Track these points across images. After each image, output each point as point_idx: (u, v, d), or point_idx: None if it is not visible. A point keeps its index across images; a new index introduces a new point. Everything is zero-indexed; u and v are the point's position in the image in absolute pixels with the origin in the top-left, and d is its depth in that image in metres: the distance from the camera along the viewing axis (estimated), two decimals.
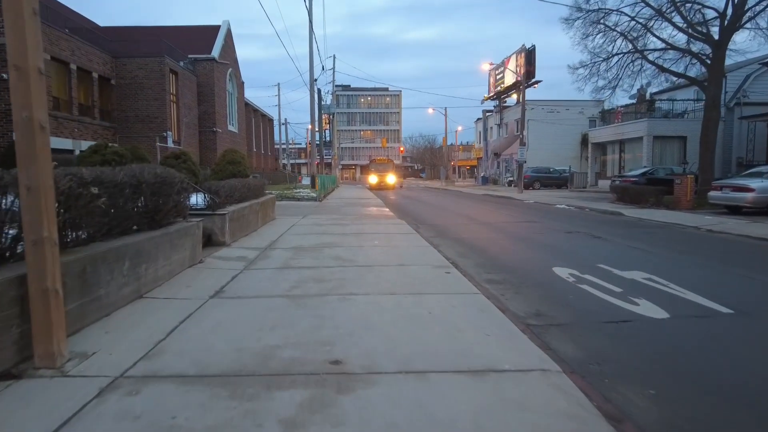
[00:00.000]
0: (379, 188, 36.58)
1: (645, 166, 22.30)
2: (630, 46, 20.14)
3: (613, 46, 20.43)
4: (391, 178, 38.82)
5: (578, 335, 4.10)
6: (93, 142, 18.49)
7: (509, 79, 49.90)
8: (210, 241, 8.00)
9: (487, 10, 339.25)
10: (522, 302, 5.13)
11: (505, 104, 51.70)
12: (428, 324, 3.98)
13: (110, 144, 9.79)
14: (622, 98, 29.44)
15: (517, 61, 46.76)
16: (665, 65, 20.58)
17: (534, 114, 41.13)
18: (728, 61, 19.37)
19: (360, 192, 32.38)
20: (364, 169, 54.46)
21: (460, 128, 78.62)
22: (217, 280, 5.61)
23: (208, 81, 24.53)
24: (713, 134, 17.89)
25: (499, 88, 51.92)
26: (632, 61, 20.75)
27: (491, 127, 53.01)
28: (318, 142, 30.21)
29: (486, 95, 56.00)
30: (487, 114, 53.54)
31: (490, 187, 43.27)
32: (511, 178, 43.53)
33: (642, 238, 10.07)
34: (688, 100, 26.60)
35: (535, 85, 45.33)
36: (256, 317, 4.15)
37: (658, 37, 18.91)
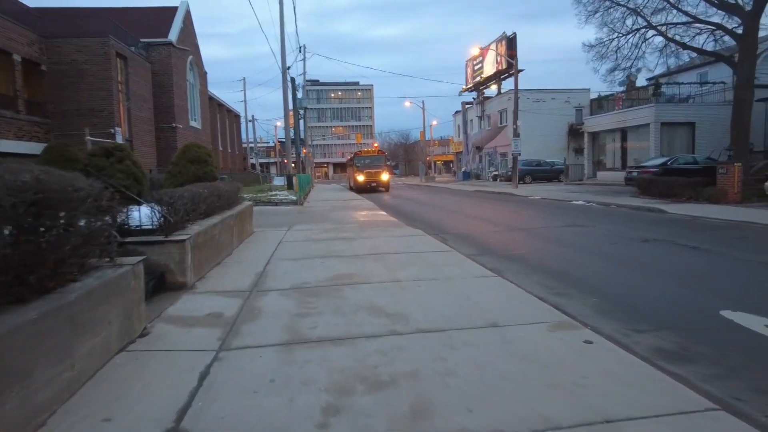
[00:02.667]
0: (369, 189, 27.88)
1: (663, 155, 20.36)
2: (644, 21, 17.99)
3: (624, 24, 18.27)
4: (385, 176, 29.06)
5: None
6: (16, 141, 15.17)
7: (489, 69, 47.84)
8: (163, 282, 5.15)
9: (454, 7, 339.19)
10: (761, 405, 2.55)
11: (484, 95, 49.65)
12: None
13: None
14: (639, 80, 27.28)
15: (497, 49, 44.73)
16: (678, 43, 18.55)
17: (519, 104, 39.04)
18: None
19: (341, 192, 29.57)
20: (347, 166, 42.34)
21: (435, 122, 76.33)
22: (170, 391, 2.82)
23: (165, 69, 21.17)
24: (747, 116, 15.96)
25: (477, 79, 49.81)
26: (644, 40, 18.65)
27: (471, 120, 50.89)
28: (293, 137, 27.15)
29: (464, 87, 53.88)
30: (467, 106, 51.40)
31: (474, 182, 41.08)
32: (496, 173, 41.50)
33: (747, 247, 7.72)
34: (692, 83, 24.92)
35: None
36: None
37: (680, 10, 16.83)
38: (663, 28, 17.80)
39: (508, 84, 45.32)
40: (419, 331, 3.76)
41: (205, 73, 28.17)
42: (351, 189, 31.50)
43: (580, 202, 16.62)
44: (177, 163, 9.17)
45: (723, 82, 23.74)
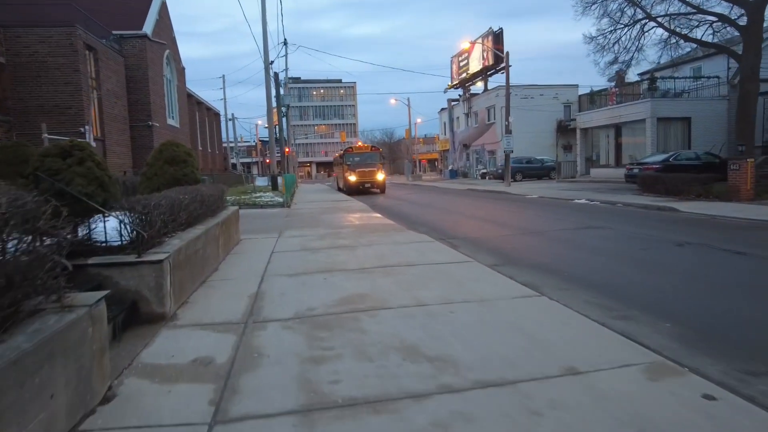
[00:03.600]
0: (362, 191, 24.66)
1: (662, 151, 19.83)
2: (642, 13, 17.38)
3: (623, 15, 17.62)
4: (380, 175, 25.25)
5: None
6: None
7: (475, 65, 47.17)
8: (136, 313, 4.14)
9: (433, 5, 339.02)
10: None
11: (470, 92, 48.99)
12: None
13: None
14: (635, 75, 26.70)
15: (483, 45, 44.09)
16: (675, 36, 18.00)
17: (503, 101, 38.47)
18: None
19: (328, 193, 28.51)
20: (334, 165, 37.52)
21: (419, 120, 75.62)
22: None
23: (139, 63, 19.79)
24: (752, 110, 15.46)
25: (463, 75, 49.12)
26: (642, 33, 18.05)
27: (458, 117, 50.21)
28: (277, 135, 26.00)
29: (449, 83, 53.16)
30: (453, 103, 50.69)
31: (462, 181, 40.41)
32: (484, 171, 40.87)
33: None
34: (686, 78, 24.52)
35: (503, 71, 42.88)
36: None
37: (682, 0, 16.22)
38: (662, 20, 17.22)
39: (494, 81, 44.79)
40: (479, 384, 2.85)
41: (183, 68, 26.75)
42: (340, 190, 28.12)
43: (582, 201, 15.93)
44: (152, 164, 8.07)
45: (717, 77, 23.41)
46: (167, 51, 23.41)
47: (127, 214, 4.49)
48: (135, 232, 4.33)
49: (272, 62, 23.97)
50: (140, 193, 7.12)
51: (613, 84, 30.54)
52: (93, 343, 2.67)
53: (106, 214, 4.33)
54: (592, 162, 29.02)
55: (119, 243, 4.43)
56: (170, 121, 23.88)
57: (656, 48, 18.06)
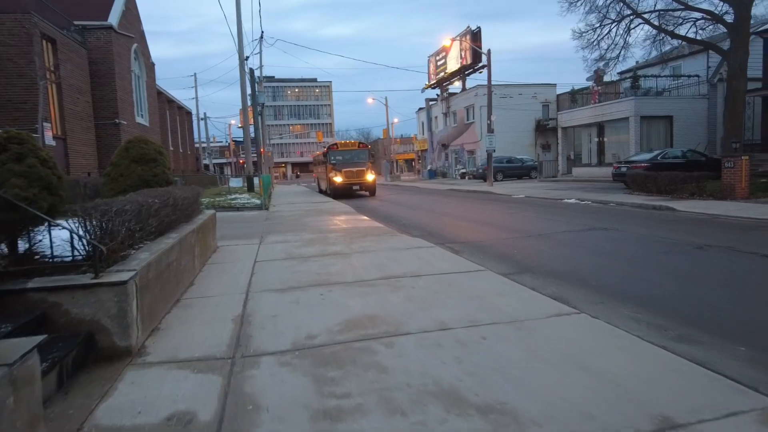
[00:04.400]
0: (349, 193, 21.95)
1: (650, 150, 19.65)
2: (629, 10, 17.09)
3: (609, 11, 17.32)
4: (370, 176, 22.22)
5: None
6: None
7: (452, 65, 46.75)
8: (93, 348, 3.29)
9: (406, 7, 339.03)
10: None
11: (448, 92, 48.61)
12: None
13: None
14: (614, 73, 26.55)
15: (461, 44, 43.74)
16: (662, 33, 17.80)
17: (485, 100, 38.16)
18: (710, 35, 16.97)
19: (306, 194, 27.61)
20: (314, 164, 33.11)
21: (396, 120, 75.08)
22: None
23: (105, 57, 18.45)
24: (741, 107, 15.30)
25: (441, 74, 48.68)
26: (628, 30, 17.80)
27: (436, 117, 49.76)
28: (254, 134, 24.91)
29: (426, 83, 52.65)
30: (431, 103, 50.21)
31: (443, 181, 39.97)
32: (464, 171, 40.48)
33: None
34: (666, 76, 24.51)
35: (481, 71, 42.61)
36: None
37: None
38: (649, 16, 16.98)
39: (472, 80, 44.52)
40: None
41: (153, 64, 25.35)
42: (322, 192, 25.19)
43: (572, 201, 15.50)
44: (118, 164, 7.12)
45: (697, 76, 23.47)
46: (135, 45, 22.09)
47: (82, 222, 3.63)
48: (92, 246, 3.46)
49: (247, 58, 22.94)
50: (104, 196, 6.18)
51: (592, 83, 30.51)
52: (16, 418, 1.83)
53: (53, 223, 3.46)
54: (573, 161, 28.87)
55: (71, 259, 3.56)
56: (139, 120, 22.57)
57: (642, 45, 17.83)
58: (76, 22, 18.15)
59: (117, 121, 19.29)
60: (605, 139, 24.72)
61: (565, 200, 15.76)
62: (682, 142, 22.17)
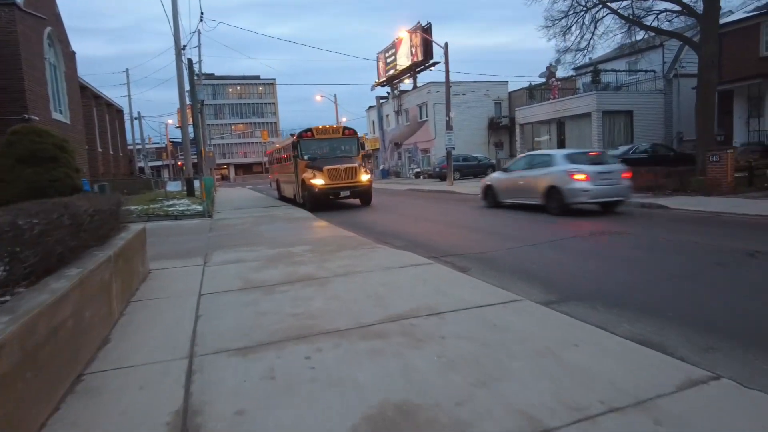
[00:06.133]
0: (329, 202, 15.38)
1: (629, 144, 19.18)
2: None
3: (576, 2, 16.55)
4: (364, 175, 15.67)
5: None
6: None
7: (403, 62, 45.58)
8: None
9: (347, 8, 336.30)
10: None
11: (398, 89, 47.44)
12: None
13: None
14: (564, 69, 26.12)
15: (411, 41, 42.67)
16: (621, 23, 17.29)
17: (439, 97, 37.24)
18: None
19: (254, 198, 25.43)
20: (273, 161, 24.29)
21: (344, 119, 73.04)
22: None
23: (7, 39, 15.45)
24: (712, 101, 14.87)
25: (391, 72, 47.44)
26: (593, 21, 17.13)
27: (387, 115, 48.47)
28: (193, 132, 22.49)
29: (376, 81, 51.27)
30: (382, 101, 48.86)
31: (397, 180, 38.72)
32: (418, 170, 39.42)
33: None
34: (623, 71, 24.41)
35: (432, 68, 41.74)
36: None
37: None
38: (616, 6, 16.35)
39: (423, 77, 43.62)
40: None
41: (73, 53, 22.20)
42: (285, 198, 19.45)
43: None
44: None
45: (654, 71, 23.46)
46: (49, 28, 19.10)
47: None
48: None
49: (184, 47, 20.53)
50: None
51: (553, 80, 30.16)
52: None
53: None
54: None
55: None
56: (57, 116, 19.59)
57: (608, 37, 17.23)
58: None
59: (27, 116, 16.37)
60: (566, 136, 24.28)
61: None
62: (642, 137, 22.01)
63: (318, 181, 14.71)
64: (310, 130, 16.43)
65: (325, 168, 14.79)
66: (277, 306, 4.40)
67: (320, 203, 14.98)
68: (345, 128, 17.26)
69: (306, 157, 15.80)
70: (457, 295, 4.45)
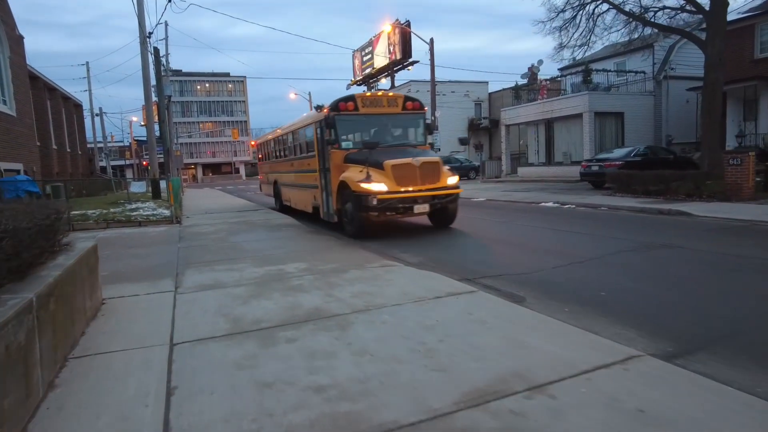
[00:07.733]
0: (401, 212, 8.72)
1: (619, 146, 18.41)
2: None
3: None
4: (452, 179, 9.20)
5: None
6: None
7: (380, 61, 44.24)
8: None
9: (317, 8, 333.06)
10: None
11: (376, 89, 46.14)
12: None
13: None
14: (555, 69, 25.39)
15: (390, 39, 41.42)
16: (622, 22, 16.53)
17: (420, 97, 36.15)
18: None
19: (225, 200, 23.67)
20: (263, 161, 17.08)
21: None
22: None
23: None
24: (718, 100, 14.15)
25: (368, 70, 46.04)
26: (591, 17, 16.29)
27: None
28: (159, 129, 20.58)
29: (352, 80, 49.70)
30: None
31: None
32: None
33: None
34: (612, 71, 23.81)
35: (410, 68, 40.62)
36: None
37: None
38: (618, 1, 15.52)
39: (401, 77, 42.46)
40: None
41: (21, 37, 19.94)
42: (289, 209, 13.65)
43: (550, 204, 13.50)
44: None
45: (644, 72, 22.93)
46: None
47: None
48: None
49: (150, 34, 18.66)
50: None
51: (525, 81, 29.42)
52: None
53: None
54: (518, 160, 27.53)
55: None
56: (1, 107, 17.43)
57: (610, 32, 16.43)
58: None
59: None
60: (555, 137, 23.48)
61: (543, 204, 13.71)
62: (633, 139, 21.40)
63: (378, 187, 8.40)
64: (351, 98, 9.58)
65: (388, 163, 8.53)
66: (287, 371, 3.01)
67: (375, 224, 9.20)
68: (407, 98, 10.12)
69: (344, 144, 9.51)
70: (545, 349, 3.16)
